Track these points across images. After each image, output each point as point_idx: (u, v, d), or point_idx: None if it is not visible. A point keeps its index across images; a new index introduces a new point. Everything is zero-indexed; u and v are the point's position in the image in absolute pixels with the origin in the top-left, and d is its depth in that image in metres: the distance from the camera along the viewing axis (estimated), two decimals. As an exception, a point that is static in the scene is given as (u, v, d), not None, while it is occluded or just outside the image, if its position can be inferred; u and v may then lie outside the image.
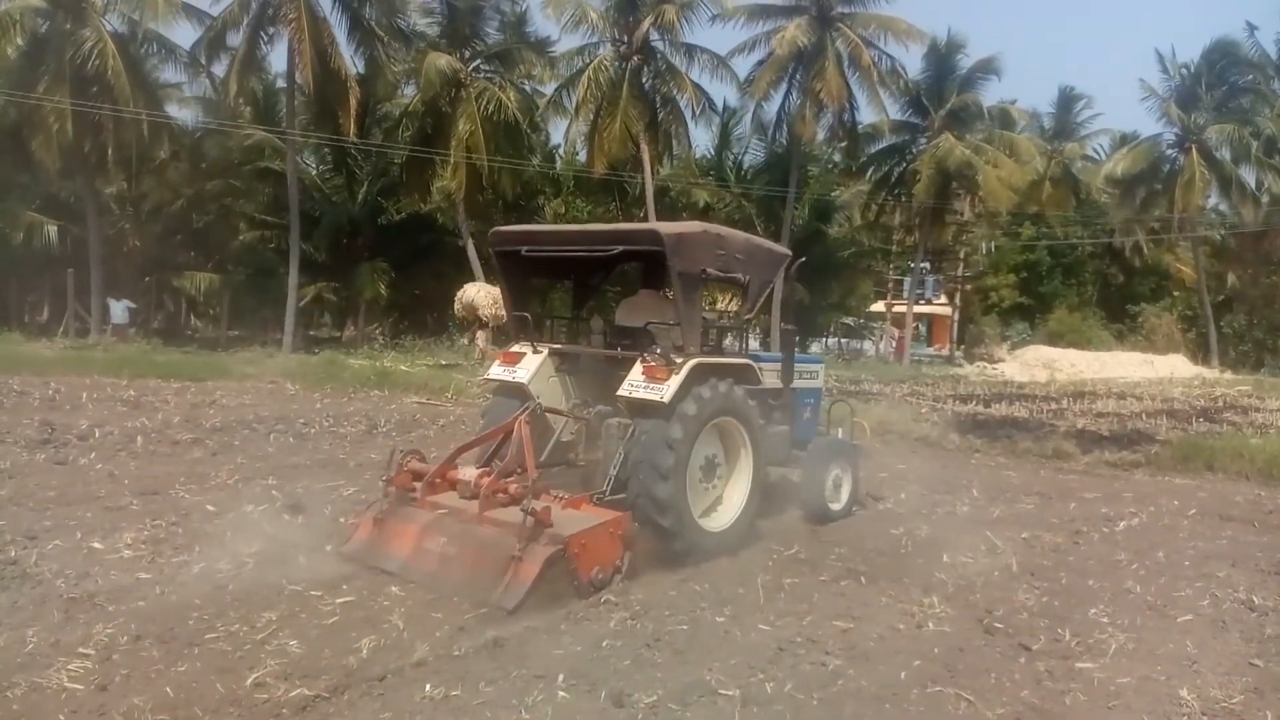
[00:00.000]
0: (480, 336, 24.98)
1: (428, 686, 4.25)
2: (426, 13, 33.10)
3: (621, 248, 7.18)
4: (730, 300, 26.69)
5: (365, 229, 37.61)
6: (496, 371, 7.61)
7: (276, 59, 32.53)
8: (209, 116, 35.66)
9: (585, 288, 8.67)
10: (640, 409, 6.59)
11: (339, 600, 5.39)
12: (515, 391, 7.39)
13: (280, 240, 34.46)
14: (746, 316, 8.09)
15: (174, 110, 34.61)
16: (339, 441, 11.91)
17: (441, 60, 30.82)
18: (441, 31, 33.12)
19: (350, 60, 30.34)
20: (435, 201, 37.45)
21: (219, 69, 30.98)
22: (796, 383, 8.42)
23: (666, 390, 6.41)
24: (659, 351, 6.70)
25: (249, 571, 5.92)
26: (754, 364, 7.57)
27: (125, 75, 27.13)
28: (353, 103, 29.55)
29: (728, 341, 8.55)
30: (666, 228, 6.79)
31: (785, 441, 8.18)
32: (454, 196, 33.04)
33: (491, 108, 31.40)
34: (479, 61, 33.90)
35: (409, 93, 34.98)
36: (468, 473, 6.35)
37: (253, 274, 35.74)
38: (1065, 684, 4.60)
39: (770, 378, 8.01)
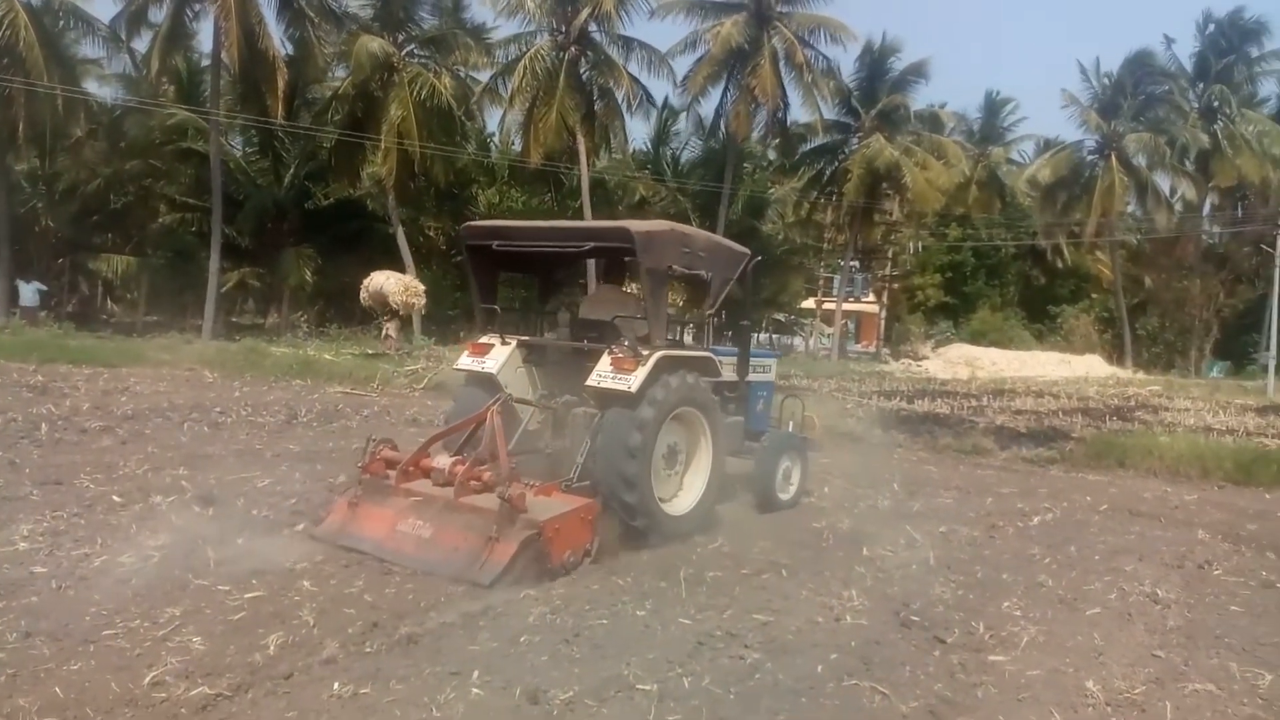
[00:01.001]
0: (390, 327, 24.38)
1: (336, 685, 4.11)
2: (359, -6, 32.49)
3: (592, 244, 7.56)
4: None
5: (291, 214, 36.71)
6: (465, 362, 7.81)
7: (202, 37, 31.62)
8: (129, 94, 34.48)
9: (550, 282, 8.93)
10: (608, 398, 6.81)
11: (247, 595, 5.20)
12: (484, 382, 7.59)
13: (202, 223, 33.49)
14: (708, 312, 8.26)
15: (92, 87, 33.45)
16: (256, 431, 11.57)
17: (374, 43, 30.25)
18: (374, 14, 32.54)
19: (279, 41, 29.66)
20: (365, 187, 36.77)
21: (140, 45, 30.05)
22: (750, 376, 8.66)
23: (634, 381, 6.65)
24: (627, 344, 6.91)
25: (153, 565, 5.67)
26: (715, 357, 7.81)
27: (39, 48, 26.11)
28: (280, 84, 28.87)
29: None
30: (636, 226, 6.97)
31: (739, 432, 8.44)
32: (384, 182, 32.48)
33: (425, 93, 30.92)
34: (413, 46, 33.38)
35: (339, 75, 34.30)
36: (441, 460, 6.47)
37: (172, 258, 34.68)
38: (977, 676, 4.66)
39: (726, 371, 8.16)
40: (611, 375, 6.76)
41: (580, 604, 5.37)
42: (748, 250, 8.45)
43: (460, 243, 8.05)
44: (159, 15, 28.60)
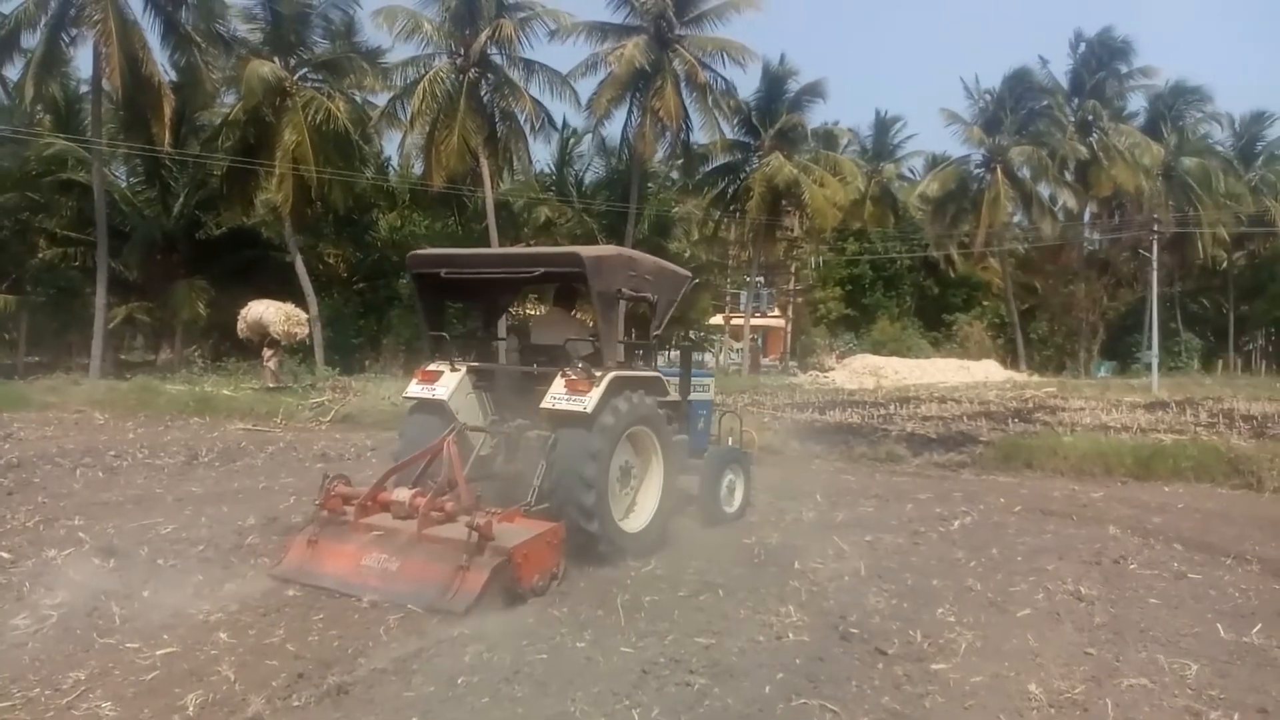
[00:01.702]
0: (271, 358, 23.44)
1: (264, 743, 3.86)
2: (249, 18, 31.56)
3: (543, 270, 7.71)
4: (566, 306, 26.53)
5: (182, 245, 35.29)
6: (415, 390, 7.79)
7: (81, 63, 30.23)
8: (1, 123, 32.68)
9: (493, 308, 9.02)
10: (563, 420, 6.91)
11: (159, 652, 4.85)
12: (435, 408, 7.61)
13: (86, 258, 31.97)
14: (655, 333, 8.39)
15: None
16: (155, 474, 10.98)
17: (265, 68, 29.44)
18: (264, 38, 31.63)
19: (164, 66, 28.57)
20: (259, 215, 35.64)
21: (13, 72, 28.54)
22: (691, 395, 8.81)
23: (589, 401, 6.78)
24: (581, 366, 7.07)
25: (52, 626, 5.25)
26: (664, 377, 8.07)
27: (-103, 75, 24.49)
28: (167, 111, 27.82)
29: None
30: (587, 251, 7.26)
31: (684, 450, 8.53)
32: (280, 210, 31.53)
33: (320, 118, 30.20)
34: (306, 70, 32.55)
35: (228, 102, 33.24)
36: (401, 493, 6.44)
37: (54, 294, 32.92)
38: (923, 687, 4.66)
39: (671, 390, 8.31)
40: (566, 397, 6.87)
41: (517, 639, 5.19)
42: (689, 273, 8.72)
43: (407, 271, 8.16)
44: (32, 40, 27.24)
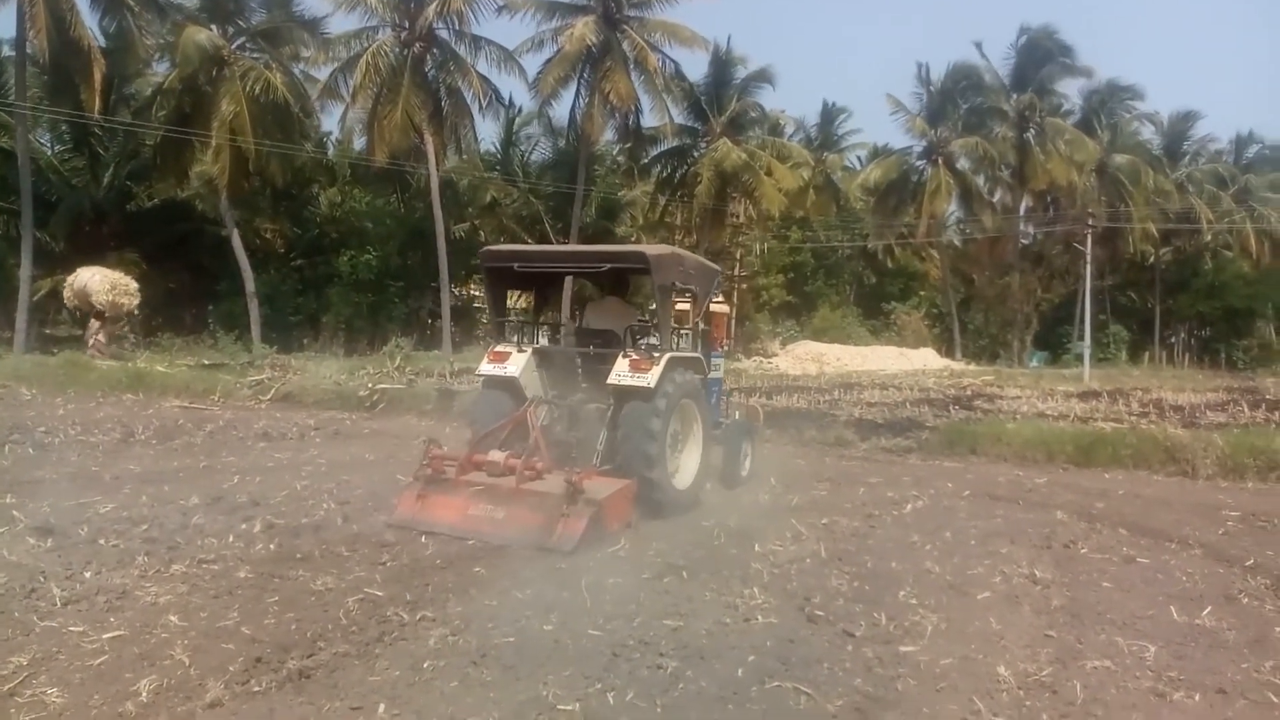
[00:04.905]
0: (98, 331, 22.45)
1: (225, 731, 3.70)
2: (184, -18, 30.47)
3: (609, 265, 9.15)
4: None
5: (111, 216, 34.08)
6: (487, 368, 8.75)
7: (3, 22, 28.87)
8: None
9: (544, 298, 10.28)
10: (628, 394, 7.96)
11: (106, 635, 4.63)
12: (507, 385, 8.58)
13: (10, 227, 30.71)
14: (696, 319, 9.50)
15: None
16: (90, 452, 10.56)
17: (201, 35, 28.54)
18: (202, 4, 30.60)
19: (94, 30, 27.47)
20: (194, 187, 34.51)
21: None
22: (710, 374, 9.83)
23: (651, 378, 7.86)
24: (644, 347, 8.23)
25: (-13, 609, 4.99)
26: (702, 359, 9.15)
27: None
28: (97, 76, 26.78)
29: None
30: (650, 250, 8.47)
31: (711, 421, 9.49)
32: (216, 182, 30.58)
33: (258, 88, 29.32)
34: (244, 39, 31.55)
35: (160, 70, 32.12)
36: (495, 455, 7.42)
37: (-26, 265, 31.57)
38: (894, 669, 4.66)
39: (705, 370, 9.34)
40: (630, 374, 7.93)
41: (481, 622, 5.08)
42: (719, 268, 9.89)
43: (480, 265, 9.31)
44: (-50, -2, 25.94)
